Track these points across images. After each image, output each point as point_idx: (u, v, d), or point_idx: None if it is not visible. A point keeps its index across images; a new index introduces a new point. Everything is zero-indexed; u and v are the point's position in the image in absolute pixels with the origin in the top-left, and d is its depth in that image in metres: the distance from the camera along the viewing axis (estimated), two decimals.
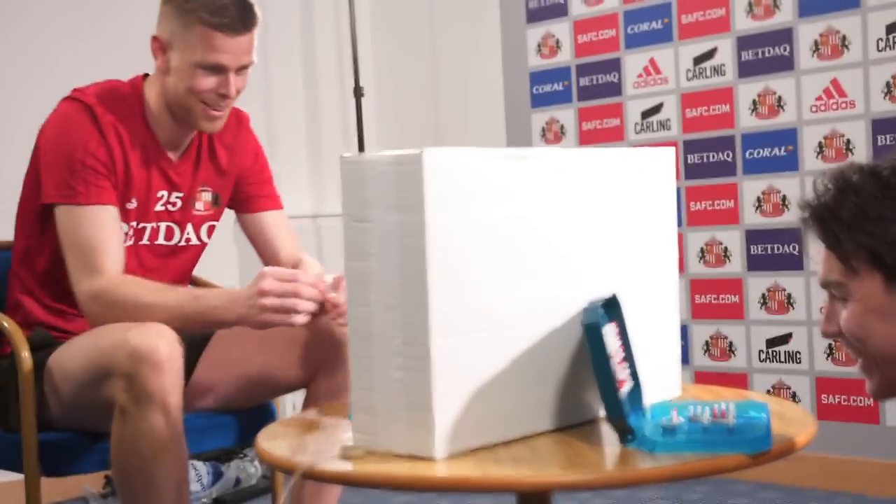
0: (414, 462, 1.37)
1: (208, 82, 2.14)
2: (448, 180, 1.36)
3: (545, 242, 1.50)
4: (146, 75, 2.27)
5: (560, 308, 1.51)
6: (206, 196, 2.32)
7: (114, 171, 2.16)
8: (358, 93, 4.16)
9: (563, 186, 1.52)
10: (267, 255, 2.39)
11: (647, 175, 1.67)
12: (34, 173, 2.20)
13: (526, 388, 1.47)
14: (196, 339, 2.26)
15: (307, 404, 2.27)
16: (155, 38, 2.18)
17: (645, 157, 1.67)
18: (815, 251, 1.37)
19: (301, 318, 1.97)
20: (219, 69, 2.13)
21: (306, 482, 2.25)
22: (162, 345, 1.92)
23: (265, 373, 2.28)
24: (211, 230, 2.36)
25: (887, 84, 3.35)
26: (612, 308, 1.54)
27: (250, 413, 2.34)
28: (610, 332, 1.50)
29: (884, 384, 1.34)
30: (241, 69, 2.17)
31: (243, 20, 2.13)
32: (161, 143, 2.24)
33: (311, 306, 1.97)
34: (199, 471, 3.54)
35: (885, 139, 3.36)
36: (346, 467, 1.37)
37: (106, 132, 2.16)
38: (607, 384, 1.40)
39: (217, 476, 3.58)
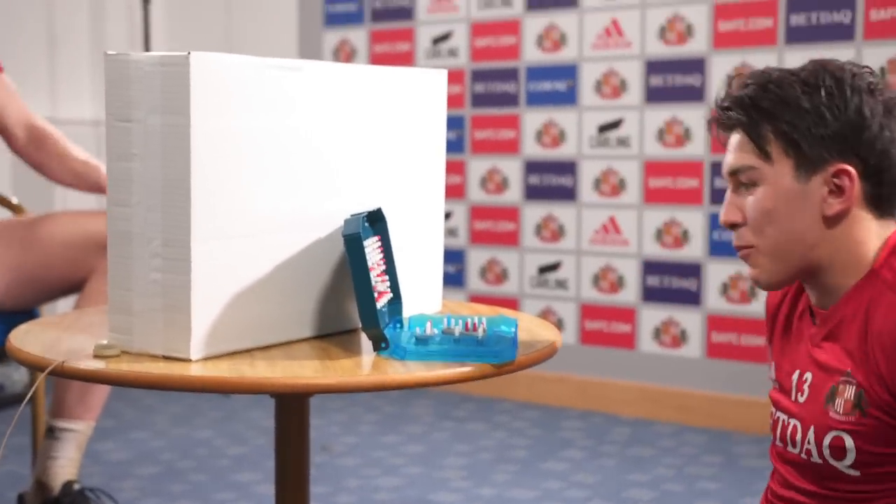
0: (169, 363, 1.38)
1: None
2: (216, 85, 1.36)
3: (314, 154, 1.52)
4: None
5: (325, 219, 1.54)
6: None
7: None
8: None
9: (334, 101, 1.54)
10: None
11: (419, 96, 1.71)
12: None
13: (287, 295, 1.50)
14: None
15: (77, 305, 2.23)
16: None
17: (418, 77, 1.71)
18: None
19: None
20: None
21: (72, 384, 2.23)
22: None
23: (37, 274, 2.23)
24: None
25: (662, 28, 3.52)
26: (376, 222, 1.58)
27: (16, 316, 2.29)
28: (371, 245, 1.54)
29: (770, 276, 1.39)
30: None
31: None
32: None
33: None
34: None
35: (659, 80, 3.53)
36: (98, 366, 1.36)
37: None
38: (364, 294, 1.44)
39: None
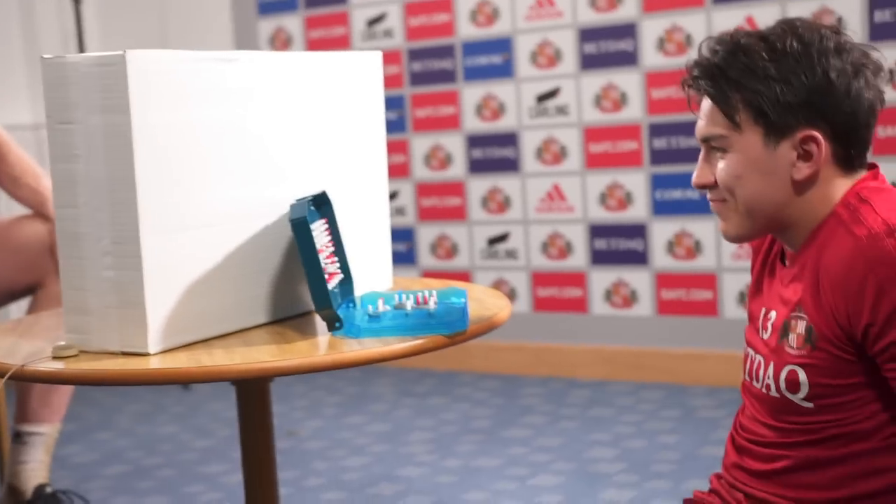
0: (128, 358, 1.40)
1: None
2: (153, 82, 1.38)
3: (255, 143, 1.55)
4: None
5: (272, 207, 1.57)
6: None
7: None
8: None
9: (272, 89, 1.57)
10: None
11: (356, 79, 1.74)
12: None
13: (239, 283, 1.53)
14: None
15: (31, 311, 2.24)
16: None
17: (352, 61, 1.73)
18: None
19: None
20: None
21: (34, 388, 2.24)
22: None
23: None
24: None
25: None
26: (322, 206, 1.61)
27: None
28: (319, 228, 1.57)
29: (739, 231, 1.44)
30: None
31: None
32: None
33: None
34: None
35: (592, 47, 3.57)
36: (57, 366, 1.39)
37: None
38: (315, 276, 1.47)
39: None
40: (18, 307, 2.80)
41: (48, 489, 2.27)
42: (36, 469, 2.28)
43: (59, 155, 1.42)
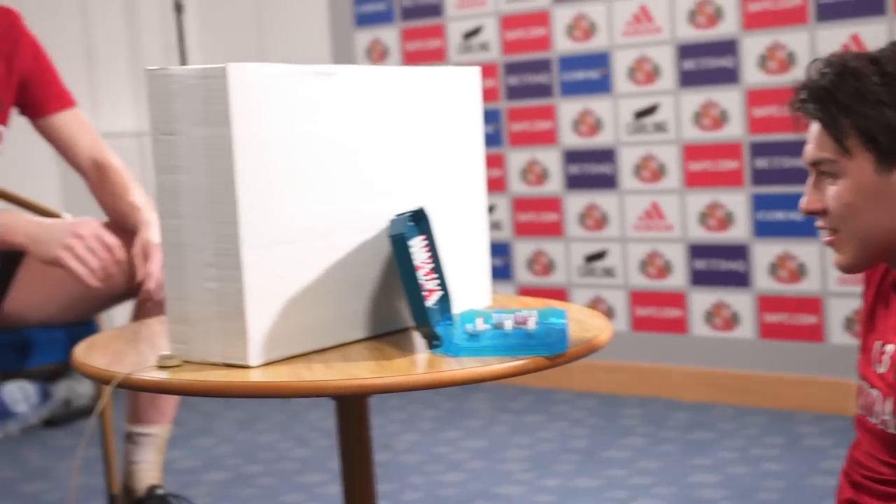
0: (229, 370, 1.40)
1: None
2: (254, 94, 1.38)
3: (354, 158, 1.54)
4: None
5: (371, 221, 1.56)
6: None
7: None
8: (178, 7, 4.06)
9: (370, 104, 1.56)
10: (67, 156, 2.34)
11: (454, 94, 1.72)
12: None
13: (338, 298, 1.52)
14: (11, 254, 2.23)
15: (135, 317, 2.27)
16: None
17: (451, 76, 1.72)
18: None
19: (92, 280, 1.98)
20: None
21: (140, 396, 2.27)
22: None
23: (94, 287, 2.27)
24: None
25: (691, 11, 3.50)
26: (420, 221, 1.60)
27: (79, 328, 2.33)
28: (418, 244, 1.56)
29: (851, 261, 1.39)
30: None
31: None
32: None
33: (104, 276, 2.00)
34: (27, 391, 3.48)
35: (690, 64, 3.51)
36: (162, 376, 1.39)
37: None
38: (414, 293, 1.46)
39: (45, 396, 3.53)
40: (122, 311, 2.85)
41: (159, 491, 2.30)
42: (148, 470, 2.30)
43: (162, 166, 1.43)
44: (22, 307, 2.25)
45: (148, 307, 2.21)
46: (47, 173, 3.91)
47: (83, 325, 2.36)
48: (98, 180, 2.29)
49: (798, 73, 3.25)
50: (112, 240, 2.01)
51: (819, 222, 1.40)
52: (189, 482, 2.97)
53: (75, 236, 1.95)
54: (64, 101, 2.34)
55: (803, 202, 1.41)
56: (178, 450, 3.26)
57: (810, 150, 1.39)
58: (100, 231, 1.99)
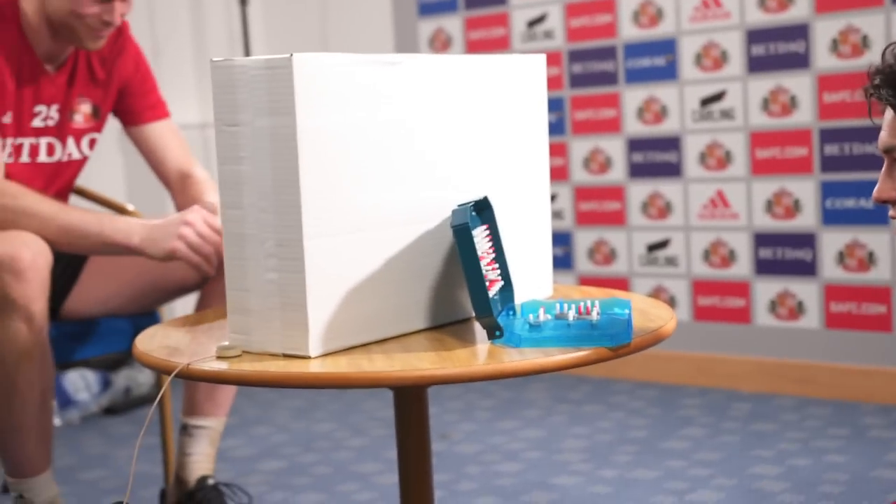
0: (289, 360, 1.41)
1: (93, 8, 2.10)
2: (318, 84, 1.38)
3: (417, 146, 1.53)
4: None
5: (433, 210, 1.56)
6: (85, 108, 2.29)
7: None
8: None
9: (434, 92, 1.55)
10: (155, 166, 2.38)
11: (519, 82, 1.71)
12: None
13: (399, 288, 1.52)
14: (76, 257, 2.26)
15: (199, 307, 2.29)
16: None
17: (516, 64, 1.71)
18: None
19: (207, 268, 2.00)
20: None
21: (199, 386, 2.30)
22: (25, 252, 1.92)
23: (157, 275, 2.30)
24: (93, 143, 2.34)
25: None
26: (483, 211, 1.59)
27: (139, 318, 2.36)
28: (480, 234, 1.55)
29: None
30: None
31: None
32: (38, 55, 2.20)
33: (218, 263, 2.01)
34: (88, 380, 3.54)
35: (759, 49, 3.45)
36: (221, 367, 1.40)
37: None
38: (476, 283, 1.45)
39: (106, 385, 3.58)
40: (182, 301, 2.88)
41: (210, 481, 2.32)
42: (200, 461, 2.33)
43: (226, 157, 1.43)
44: (85, 303, 2.29)
45: (210, 298, 2.23)
46: (111, 162, 3.95)
47: (146, 316, 2.39)
48: (181, 189, 2.32)
49: (872, 58, 3.18)
50: (220, 223, 2.03)
51: (892, 211, 1.37)
52: (245, 471, 2.99)
53: (185, 223, 1.98)
54: (159, 111, 2.38)
55: (876, 191, 1.37)
56: (234, 438, 3.29)
57: (884, 137, 1.36)
58: (206, 214, 2.01)
